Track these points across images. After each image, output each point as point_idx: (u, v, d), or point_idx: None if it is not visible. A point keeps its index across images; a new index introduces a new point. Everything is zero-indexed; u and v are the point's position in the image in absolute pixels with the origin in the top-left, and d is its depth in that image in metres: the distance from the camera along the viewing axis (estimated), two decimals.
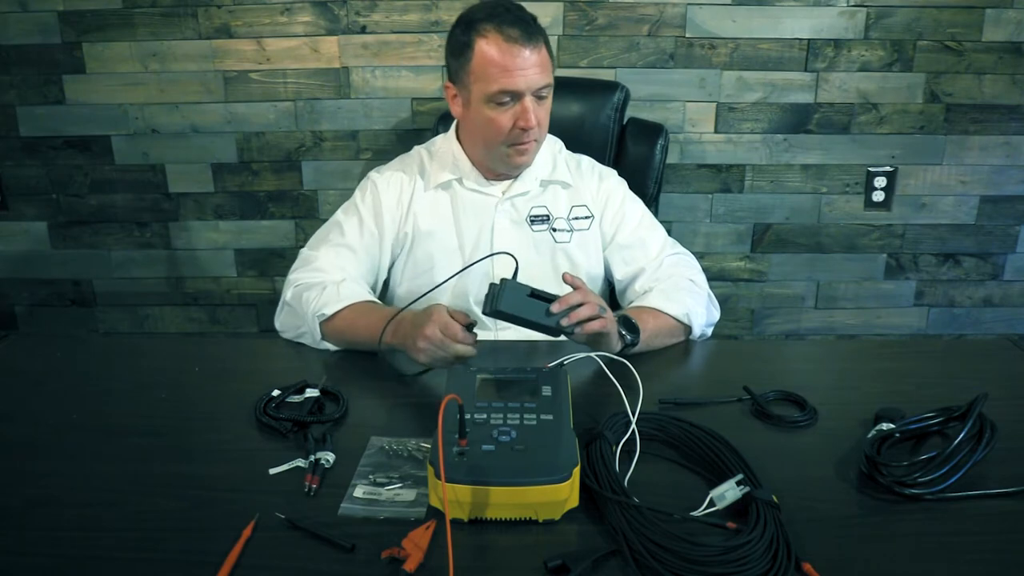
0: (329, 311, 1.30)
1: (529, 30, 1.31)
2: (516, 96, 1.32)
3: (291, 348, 1.37)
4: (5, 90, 2.10)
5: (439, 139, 1.53)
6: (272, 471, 0.97)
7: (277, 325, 1.39)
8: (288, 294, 1.37)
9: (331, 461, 0.98)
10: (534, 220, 1.46)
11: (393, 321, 1.23)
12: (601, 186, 1.51)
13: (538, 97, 1.34)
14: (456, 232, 1.46)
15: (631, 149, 1.69)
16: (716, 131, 2.14)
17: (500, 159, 1.41)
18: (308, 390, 1.15)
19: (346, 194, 1.54)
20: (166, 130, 2.14)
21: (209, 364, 1.30)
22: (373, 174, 1.51)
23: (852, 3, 2.03)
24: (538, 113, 1.35)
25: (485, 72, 1.31)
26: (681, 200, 2.20)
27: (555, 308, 1.11)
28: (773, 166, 2.18)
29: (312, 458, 0.98)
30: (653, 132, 1.70)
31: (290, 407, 1.12)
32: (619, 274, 1.49)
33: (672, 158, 2.13)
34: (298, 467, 0.98)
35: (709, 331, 1.43)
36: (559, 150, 1.54)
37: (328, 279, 1.36)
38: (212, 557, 0.82)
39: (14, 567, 0.83)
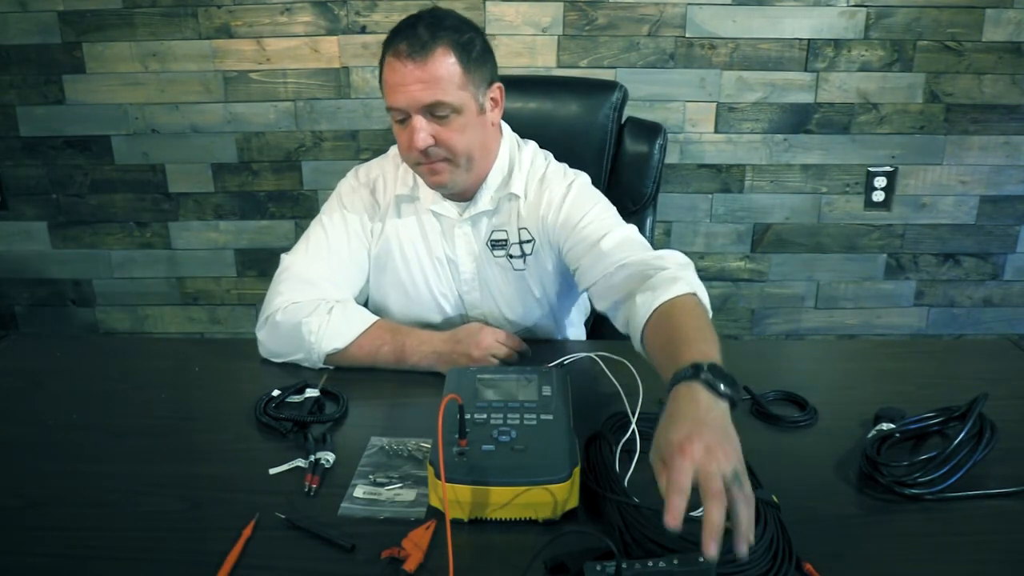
0: (341, 344, 1.24)
1: (419, 43, 1.17)
2: (404, 113, 1.21)
3: None
4: (5, 90, 2.10)
5: None
6: (272, 471, 0.97)
7: (260, 336, 1.28)
8: (277, 315, 1.26)
9: (331, 461, 0.98)
10: (494, 245, 1.35)
11: (430, 348, 1.24)
12: (541, 201, 1.34)
13: (436, 116, 1.20)
14: (426, 247, 1.38)
15: (629, 149, 1.68)
16: (716, 131, 2.14)
17: (421, 177, 1.32)
18: (308, 390, 1.15)
19: None
20: (166, 130, 2.14)
21: (209, 364, 1.29)
22: (346, 186, 1.42)
23: (852, 3, 2.03)
24: (439, 133, 1.21)
25: (384, 89, 1.24)
26: (681, 200, 2.20)
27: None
28: (773, 166, 2.18)
29: (312, 458, 0.98)
30: (651, 132, 1.69)
31: (290, 407, 1.12)
32: (583, 286, 1.28)
33: (672, 158, 2.13)
34: (298, 467, 0.98)
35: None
36: (530, 162, 1.37)
37: (319, 296, 1.28)
38: (212, 557, 0.81)
39: (14, 567, 0.83)
